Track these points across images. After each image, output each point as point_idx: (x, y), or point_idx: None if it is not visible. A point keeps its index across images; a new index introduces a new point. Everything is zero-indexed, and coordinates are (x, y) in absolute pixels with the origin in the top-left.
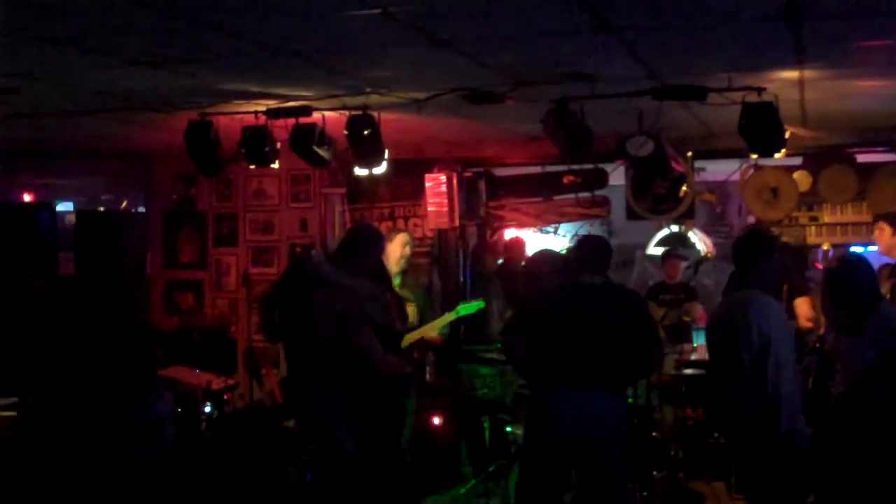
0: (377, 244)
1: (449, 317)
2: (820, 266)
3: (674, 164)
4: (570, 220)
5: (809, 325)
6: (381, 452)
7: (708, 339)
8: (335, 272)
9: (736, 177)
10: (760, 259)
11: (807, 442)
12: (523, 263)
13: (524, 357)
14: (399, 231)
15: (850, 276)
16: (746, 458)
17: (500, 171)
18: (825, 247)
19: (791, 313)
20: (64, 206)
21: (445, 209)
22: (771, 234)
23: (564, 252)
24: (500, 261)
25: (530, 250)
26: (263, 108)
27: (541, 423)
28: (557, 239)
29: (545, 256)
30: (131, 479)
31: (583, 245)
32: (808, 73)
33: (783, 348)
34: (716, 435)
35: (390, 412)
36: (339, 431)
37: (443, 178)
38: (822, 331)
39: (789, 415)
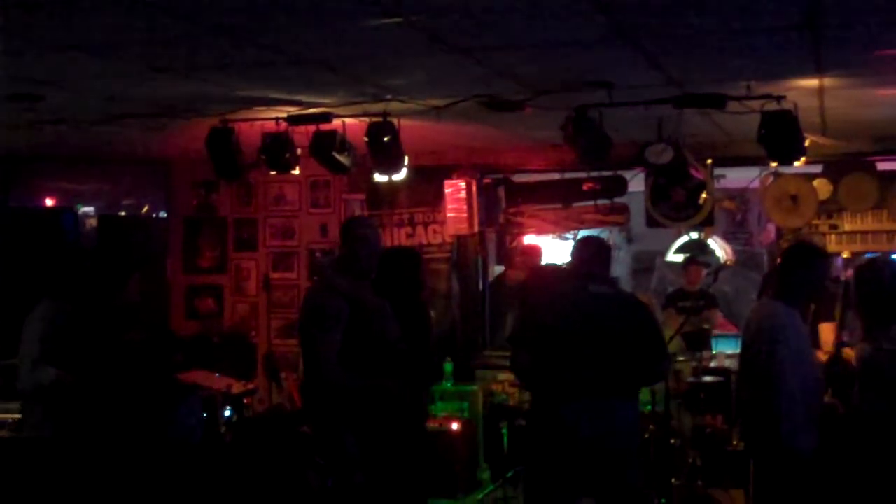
0: (356, 233)
1: None
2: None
3: (693, 172)
4: (589, 227)
5: (824, 358)
6: (394, 458)
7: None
8: (331, 273)
9: (756, 184)
10: (799, 273)
11: (811, 458)
12: (527, 277)
13: (532, 369)
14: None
15: (874, 278)
16: (758, 465)
17: (519, 178)
18: (845, 255)
19: (814, 337)
20: (86, 211)
21: (465, 215)
22: (821, 250)
23: (569, 258)
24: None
25: (546, 257)
26: (284, 115)
27: (556, 434)
28: None
29: (549, 270)
30: (155, 485)
31: (585, 251)
32: (828, 82)
33: (790, 362)
34: (734, 442)
35: (402, 418)
36: (343, 435)
37: (462, 184)
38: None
39: (789, 428)
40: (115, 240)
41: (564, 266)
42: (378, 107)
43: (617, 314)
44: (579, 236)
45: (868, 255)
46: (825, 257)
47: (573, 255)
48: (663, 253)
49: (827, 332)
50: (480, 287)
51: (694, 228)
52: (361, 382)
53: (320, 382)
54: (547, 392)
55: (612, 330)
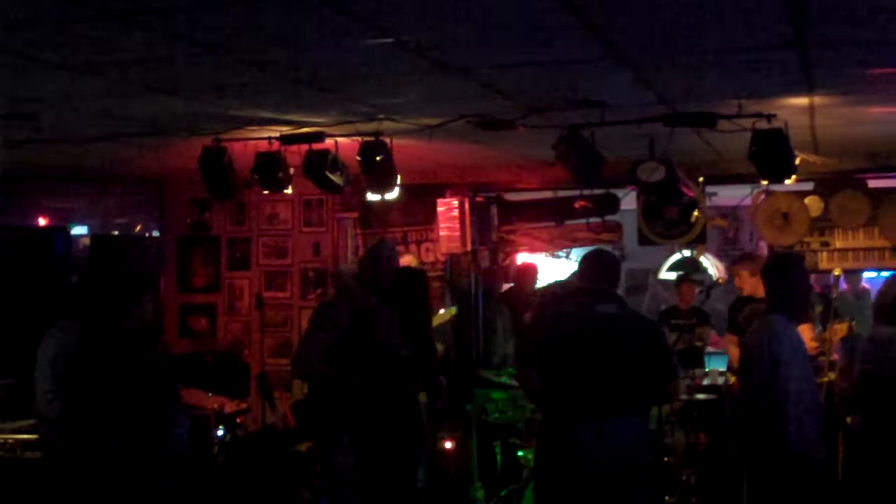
0: (371, 254)
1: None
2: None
3: (685, 190)
4: (581, 245)
5: (814, 345)
6: (390, 474)
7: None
8: (349, 282)
9: (748, 202)
10: (776, 283)
11: (822, 467)
12: (538, 298)
13: (540, 389)
14: (408, 254)
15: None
16: (761, 479)
17: (512, 196)
18: (837, 272)
19: None
20: (79, 230)
21: (457, 234)
22: (797, 255)
23: (574, 273)
24: (510, 285)
25: (542, 275)
26: (277, 134)
27: (563, 456)
28: (569, 264)
29: (558, 289)
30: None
31: (592, 269)
32: (819, 100)
33: (793, 370)
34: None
35: (398, 433)
36: (335, 446)
37: (455, 202)
38: (834, 356)
39: (799, 437)
40: (108, 259)
41: (570, 281)
42: (371, 126)
43: (624, 335)
44: (586, 251)
45: (842, 278)
46: (800, 260)
47: (580, 270)
48: (656, 271)
49: (804, 331)
50: (474, 305)
51: (686, 246)
52: (342, 375)
53: (297, 370)
54: (556, 412)
55: (619, 351)
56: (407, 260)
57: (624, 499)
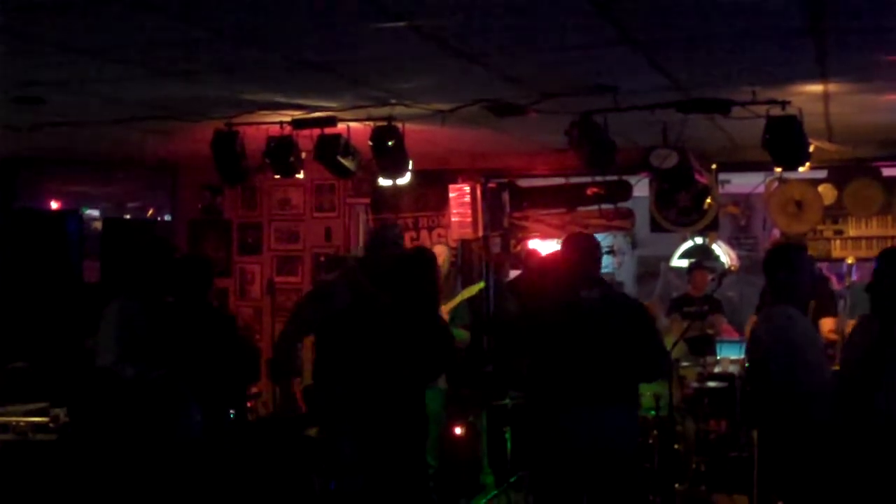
0: (374, 238)
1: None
2: (837, 282)
3: (698, 177)
4: (593, 232)
5: (835, 337)
6: (396, 461)
7: (746, 354)
8: (355, 271)
9: (761, 189)
10: (782, 274)
11: (842, 456)
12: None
13: (529, 376)
14: (438, 243)
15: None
16: (777, 469)
17: (524, 182)
18: (850, 261)
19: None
20: (91, 214)
21: (469, 220)
22: (798, 245)
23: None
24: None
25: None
26: (289, 119)
27: (554, 443)
28: None
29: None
30: (160, 487)
31: (574, 252)
32: (833, 87)
33: (808, 356)
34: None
35: (405, 421)
36: (341, 439)
37: (466, 188)
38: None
39: (824, 427)
40: (120, 243)
41: (555, 259)
42: (383, 111)
43: (610, 319)
44: (566, 235)
45: (854, 267)
46: (804, 251)
47: (562, 255)
48: (668, 258)
49: (826, 323)
50: (485, 291)
51: (699, 233)
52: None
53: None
54: (545, 399)
55: (606, 337)
56: (439, 251)
57: (610, 487)
